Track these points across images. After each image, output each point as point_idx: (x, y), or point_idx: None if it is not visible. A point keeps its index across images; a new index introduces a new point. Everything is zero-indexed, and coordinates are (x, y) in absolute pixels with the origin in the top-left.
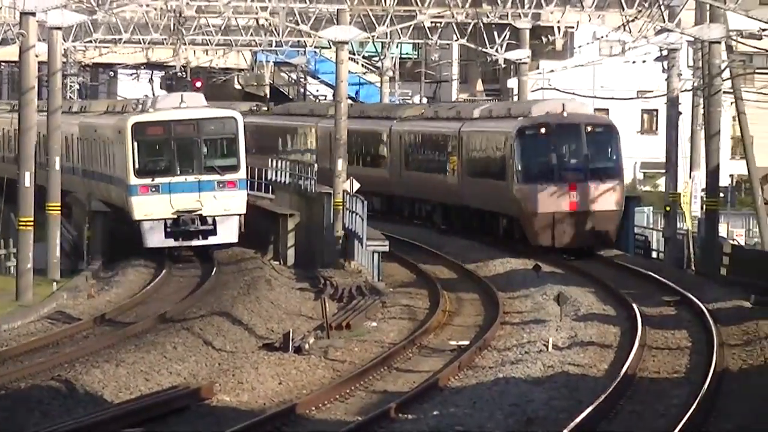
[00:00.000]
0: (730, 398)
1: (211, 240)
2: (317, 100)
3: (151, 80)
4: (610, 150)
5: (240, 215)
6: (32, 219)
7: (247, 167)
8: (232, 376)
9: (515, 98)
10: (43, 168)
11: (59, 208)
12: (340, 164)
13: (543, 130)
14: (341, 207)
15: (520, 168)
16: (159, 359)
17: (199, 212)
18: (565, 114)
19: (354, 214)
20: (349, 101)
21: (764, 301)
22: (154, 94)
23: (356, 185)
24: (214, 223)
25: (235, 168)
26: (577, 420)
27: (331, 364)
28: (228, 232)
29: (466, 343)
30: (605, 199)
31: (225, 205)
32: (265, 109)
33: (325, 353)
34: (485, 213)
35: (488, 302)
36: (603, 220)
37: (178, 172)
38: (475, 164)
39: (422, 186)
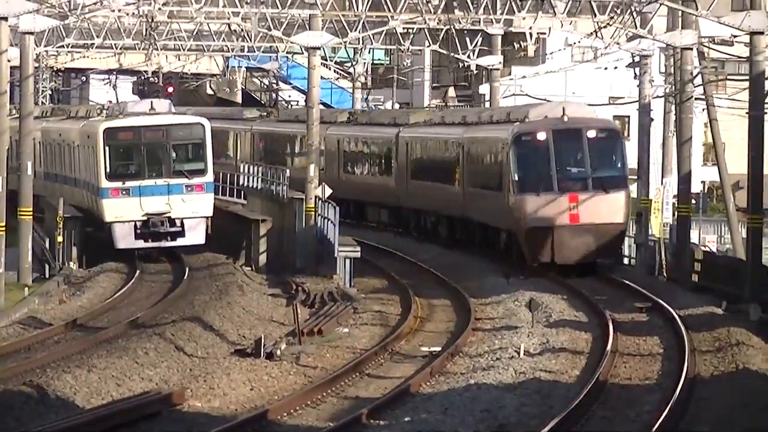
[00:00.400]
0: (702, 404)
1: (180, 241)
2: (289, 106)
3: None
4: (614, 157)
5: (207, 217)
6: (4, 224)
7: (214, 171)
8: (204, 381)
9: (487, 104)
10: (15, 173)
11: (31, 213)
12: (312, 169)
13: (540, 136)
14: (313, 212)
15: (515, 177)
16: (130, 365)
17: (168, 215)
18: (565, 118)
19: (326, 220)
20: (322, 107)
21: (735, 308)
22: (118, 100)
23: (328, 191)
24: (183, 225)
25: (202, 172)
26: (549, 426)
27: (302, 370)
28: (196, 234)
29: (438, 349)
30: (610, 210)
31: (193, 208)
32: (273, 115)
33: (296, 359)
34: (488, 227)
35: (460, 308)
36: (607, 234)
37: (148, 176)
38: (476, 174)
39: (428, 197)
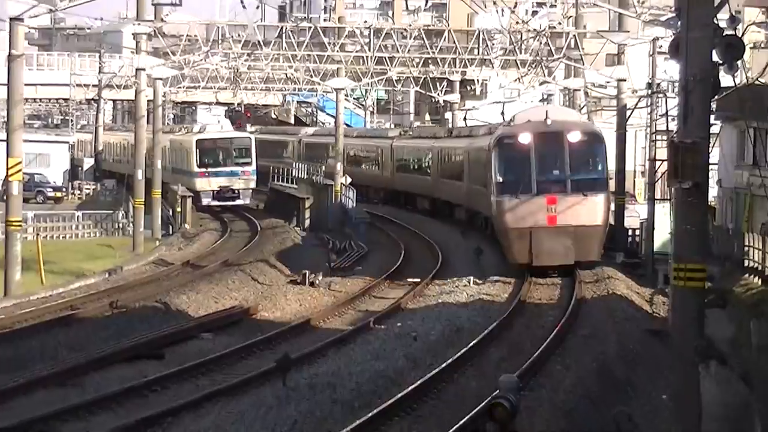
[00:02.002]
0: (585, 315)
1: (237, 202)
2: (324, 125)
3: (192, 110)
4: (594, 160)
5: (252, 189)
6: (143, 200)
7: (257, 163)
8: (270, 300)
9: (449, 125)
10: (150, 167)
11: (160, 193)
12: (339, 166)
13: (522, 139)
14: (339, 193)
15: (497, 179)
16: (223, 289)
17: (230, 187)
18: (548, 122)
19: (348, 198)
20: (346, 126)
21: (607, 254)
22: (198, 122)
23: (349, 179)
24: (238, 193)
25: (249, 164)
26: (489, 329)
27: (332, 293)
28: (245, 198)
29: (418, 280)
30: (588, 213)
31: (243, 184)
32: (315, 131)
33: (329, 286)
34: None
35: (432, 255)
36: (586, 236)
37: (219, 165)
38: (474, 175)
39: (410, 185)
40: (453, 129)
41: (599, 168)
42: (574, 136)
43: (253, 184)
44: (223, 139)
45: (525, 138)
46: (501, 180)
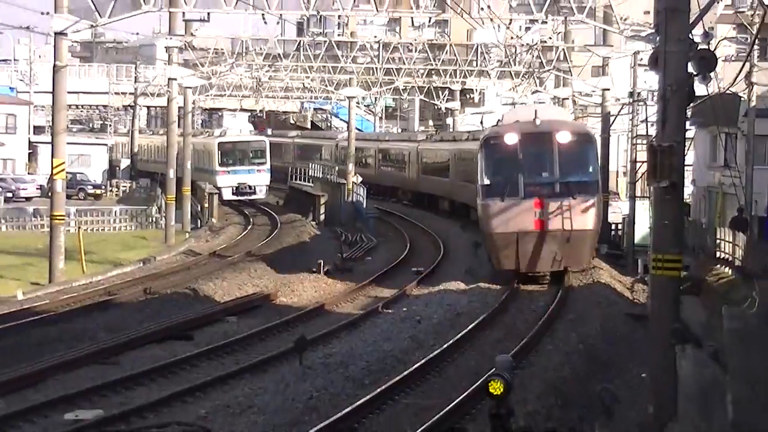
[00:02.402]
0: (572, 302)
1: (253, 197)
2: (338, 129)
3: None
4: (585, 162)
5: (266, 185)
6: (174, 197)
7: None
8: (288, 287)
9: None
10: (180, 167)
11: (189, 191)
12: (351, 167)
13: (509, 140)
14: (351, 191)
15: (483, 181)
16: (246, 277)
17: (247, 183)
18: (537, 122)
19: (358, 195)
20: (357, 131)
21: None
22: (223, 126)
23: (359, 178)
24: (254, 188)
25: (264, 163)
26: (486, 314)
27: (345, 281)
28: (261, 194)
29: (422, 269)
30: (578, 217)
31: (259, 180)
32: (386, 137)
33: (341, 274)
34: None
35: (436, 248)
36: (576, 241)
37: (238, 164)
38: (463, 174)
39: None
40: (471, 132)
41: (590, 170)
42: (564, 137)
43: (267, 180)
44: (241, 142)
45: (512, 138)
46: (487, 182)
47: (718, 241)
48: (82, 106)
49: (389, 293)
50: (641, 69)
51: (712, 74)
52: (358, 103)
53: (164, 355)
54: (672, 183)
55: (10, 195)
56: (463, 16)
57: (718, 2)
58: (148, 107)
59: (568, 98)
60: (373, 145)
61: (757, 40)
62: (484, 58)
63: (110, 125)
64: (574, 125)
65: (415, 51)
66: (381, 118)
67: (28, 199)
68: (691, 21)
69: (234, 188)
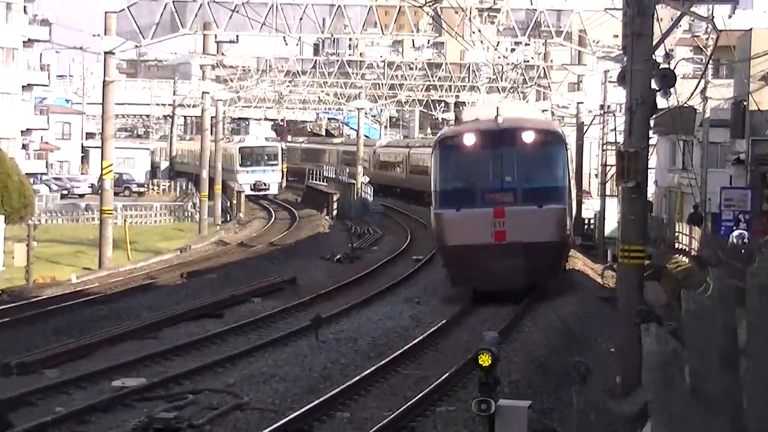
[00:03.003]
0: (551, 285)
1: (268, 193)
2: (348, 137)
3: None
4: (553, 165)
5: (279, 183)
6: (207, 194)
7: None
8: (306, 273)
9: None
10: (212, 168)
11: (220, 188)
12: (360, 168)
13: (465, 140)
14: (359, 189)
15: (436, 188)
16: (270, 264)
17: (263, 181)
18: (499, 120)
19: (366, 193)
20: (366, 137)
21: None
22: (250, 134)
23: (367, 179)
24: (268, 185)
25: (276, 164)
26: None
27: (354, 267)
28: (275, 190)
29: (421, 257)
30: (543, 227)
31: (273, 179)
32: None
33: (351, 261)
34: None
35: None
36: (541, 254)
37: (255, 165)
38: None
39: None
40: None
41: (558, 174)
42: (529, 137)
43: (278, 179)
44: (258, 146)
45: (469, 139)
46: (440, 189)
47: (676, 234)
48: (127, 115)
49: (392, 278)
50: (611, 85)
51: (672, 90)
52: (366, 113)
53: (198, 331)
54: (637, 183)
55: (65, 192)
56: (457, 39)
57: (677, 28)
58: (185, 116)
59: (547, 110)
60: (402, 151)
61: (710, 61)
62: (475, 75)
63: (152, 132)
64: (541, 123)
65: (416, 69)
66: (386, 126)
67: (81, 195)
68: (654, 44)
69: (252, 185)
